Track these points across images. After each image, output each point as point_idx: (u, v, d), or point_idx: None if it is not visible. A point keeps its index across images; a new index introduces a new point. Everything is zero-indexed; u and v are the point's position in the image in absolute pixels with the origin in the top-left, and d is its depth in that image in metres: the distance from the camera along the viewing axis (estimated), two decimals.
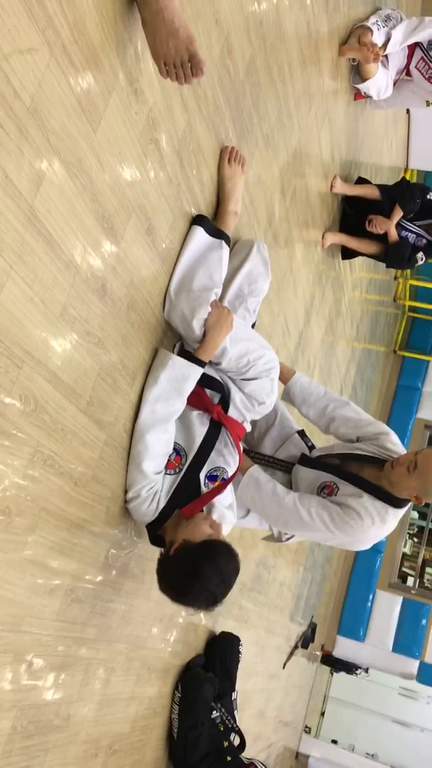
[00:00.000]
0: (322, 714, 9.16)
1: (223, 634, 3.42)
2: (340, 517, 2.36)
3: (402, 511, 2.44)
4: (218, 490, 2.14)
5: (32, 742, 1.83)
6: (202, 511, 2.12)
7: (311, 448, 2.75)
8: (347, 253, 4.35)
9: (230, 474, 2.20)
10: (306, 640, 6.79)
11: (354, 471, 2.48)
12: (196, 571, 1.90)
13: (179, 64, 1.51)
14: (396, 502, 2.39)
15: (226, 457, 2.22)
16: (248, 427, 2.36)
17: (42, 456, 1.58)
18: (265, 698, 5.39)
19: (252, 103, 2.37)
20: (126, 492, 2.05)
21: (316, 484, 2.54)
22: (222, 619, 3.57)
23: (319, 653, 8.01)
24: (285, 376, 2.65)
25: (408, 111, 5.68)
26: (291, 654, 6.19)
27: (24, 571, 1.61)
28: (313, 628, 7.04)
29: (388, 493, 2.38)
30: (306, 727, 8.62)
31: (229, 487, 2.27)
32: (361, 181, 4.18)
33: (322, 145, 3.41)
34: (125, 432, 1.97)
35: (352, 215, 4.14)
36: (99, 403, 1.79)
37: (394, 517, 2.42)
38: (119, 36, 1.51)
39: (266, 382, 2.25)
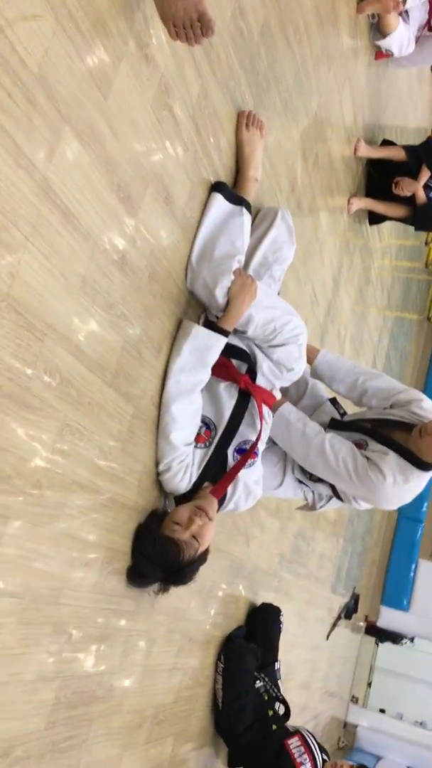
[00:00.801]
0: (369, 684, 9.19)
1: (264, 605, 3.43)
2: (364, 470, 2.37)
3: (429, 474, 2.42)
4: (243, 463, 2.13)
5: (76, 712, 1.86)
6: (226, 492, 2.13)
7: (343, 415, 2.72)
8: (375, 218, 4.27)
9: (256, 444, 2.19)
10: (349, 611, 6.80)
11: (385, 433, 2.46)
12: (137, 544, 1.96)
13: (188, 24, 1.47)
14: (422, 465, 2.36)
15: (256, 429, 2.21)
16: (278, 395, 2.34)
17: (70, 429, 1.58)
18: (309, 669, 5.42)
19: (268, 66, 2.32)
20: (157, 465, 2.05)
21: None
22: (262, 591, 3.58)
23: (362, 624, 8.01)
24: (310, 356, 2.61)
25: None
26: (334, 625, 6.20)
27: (59, 545, 1.62)
28: (355, 599, 7.04)
29: (415, 455, 2.36)
30: (353, 697, 8.67)
31: (259, 458, 2.26)
32: (386, 143, 4.09)
33: (343, 107, 3.34)
34: (153, 405, 1.97)
35: (378, 179, 4.05)
36: (125, 376, 1.79)
37: (419, 478, 2.39)
38: (127, 1, 1.48)
39: (294, 348, 2.23)
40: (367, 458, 2.39)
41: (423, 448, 2.34)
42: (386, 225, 4.97)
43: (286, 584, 4.05)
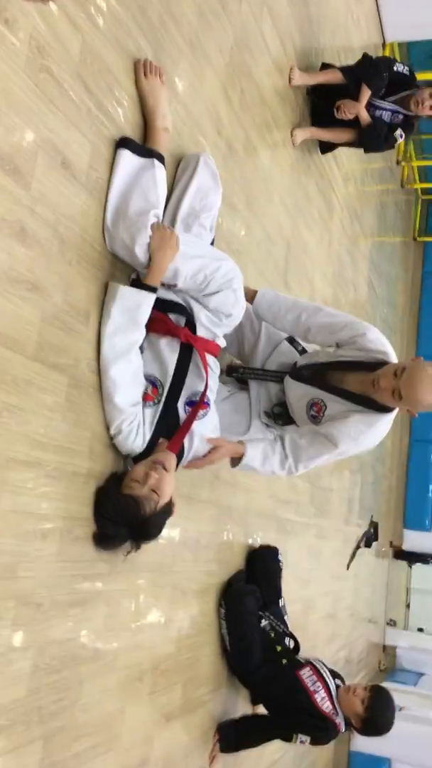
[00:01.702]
0: (408, 606, 9.35)
1: (261, 547, 3.49)
2: (333, 449, 2.44)
3: (394, 412, 2.43)
4: (194, 415, 2.15)
5: (60, 676, 1.92)
6: (183, 445, 2.15)
7: (301, 352, 2.71)
8: (325, 147, 4.18)
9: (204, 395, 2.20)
10: (369, 540, 6.89)
11: (337, 382, 2.46)
12: (97, 506, 2.01)
13: None
14: (385, 409, 2.38)
15: (203, 379, 2.22)
16: (222, 343, 2.34)
17: None
18: (332, 600, 5.52)
19: (163, 9, 2.25)
20: (108, 429, 2.07)
21: (306, 400, 2.54)
22: (261, 533, 3.64)
23: (384, 549, 8.11)
24: (250, 297, 2.54)
25: None
26: (353, 555, 6.30)
27: (5, 521, 1.66)
28: (374, 526, 7.13)
29: (375, 402, 2.36)
30: (390, 620, 8.84)
31: (212, 407, 2.28)
32: (325, 67, 3.97)
33: (266, 38, 3.25)
34: (91, 371, 1.98)
35: (322, 105, 3.95)
36: (50, 347, 1.79)
37: (385, 421, 2.42)
38: None
39: (229, 293, 2.21)
40: (327, 435, 2.42)
41: (380, 398, 2.35)
42: (344, 151, 4.86)
43: (287, 523, 4.11)
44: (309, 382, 2.53)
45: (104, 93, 1.96)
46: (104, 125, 1.97)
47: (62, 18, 1.76)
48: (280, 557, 3.52)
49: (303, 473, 2.61)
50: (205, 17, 2.56)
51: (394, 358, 2.44)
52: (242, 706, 3.35)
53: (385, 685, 4.87)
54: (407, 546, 8.72)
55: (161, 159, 2.12)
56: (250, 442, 2.43)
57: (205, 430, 2.25)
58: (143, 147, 2.10)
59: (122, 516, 1.99)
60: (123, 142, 2.04)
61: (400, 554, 8.77)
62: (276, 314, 2.56)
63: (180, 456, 2.21)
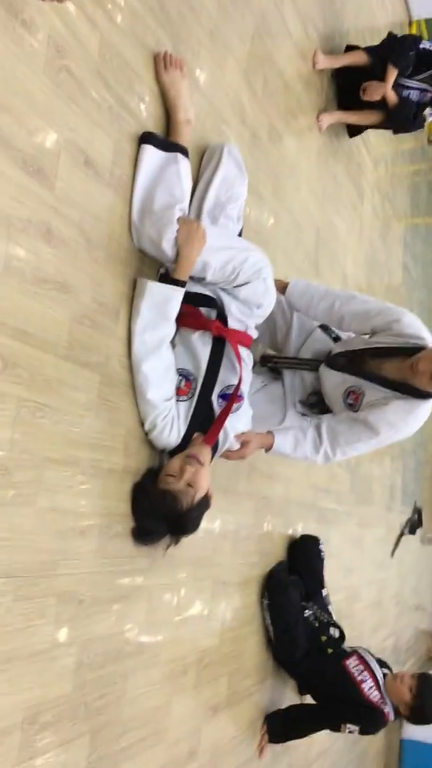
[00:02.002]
0: None
1: (302, 537, 3.48)
2: (373, 436, 2.41)
3: None
4: (229, 408, 2.14)
5: (105, 671, 1.94)
6: (218, 440, 2.16)
7: (335, 340, 2.68)
8: (353, 130, 4.11)
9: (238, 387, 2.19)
10: (413, 526, 6.82)
11: (374, 369, 2.42)
12: (135, 501, 2.03)
13: None
14: (424, 395, 2.33)
15: (236, 372, 2.21)
16: (254, 334, 2.33)
17: (29, 410, 1.61)
18: (376, 589, 5.48)
19: (181, 1, 2.23)
20: (142, 425, 2.08)
21: (342, 388, 2.50)
22: (302, 523, 3.62)
23: (430, 536, 8.01)
24: (281, 288, 2.50)
25: None
26: (398, 542, 6.24)
27: (43, 520, 1.67)
28: (418, 512, 7.06)
29: (414, 388, 2.32)
30: None
31: (246, 399, 2.27)
32: (350, 49, 3.90)
33: (288, 23, 3.20)
34: (122, 368, 1.99)
35: (348, 88, 3.89)
36: (81, 346, 1.80)
37: (425, 407, 2.37)
38: None
39: (259, 284, 2.20)
40: (366, 422, 2.39)
41: (419, 383, 2.30)
42: (373, 134, 4.79)
43: (328, 512, 4.09)
44: (345, 369, 2.49)
45: (125, 89, 1.96)
46: (126, 121, 1.97)
47: (80, 16, 1.76)
48: (322, 546, 3.50)
49: (342, 460, 2.58)
50: (224, 6, 2.53)
51: (431, 342, 2.39)
52: (289, 697, 3.35)
53: None
54: None
55: (185, 152, 2.11)
56: (278, 431, 2.42)
57: (239, 422, 2.25)
58: (166, 141, 2.09)
59: (159, 511, 2.00)
60: (146, 138, 2.03)
61: None
62: (309, 304, 2.52)
63: (215, 449, 2.21)
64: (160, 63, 2.10)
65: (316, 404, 2.68)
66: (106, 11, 1.86)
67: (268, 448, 2.42)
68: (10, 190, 1.54)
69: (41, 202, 1.64)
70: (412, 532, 6.74)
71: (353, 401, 2.48)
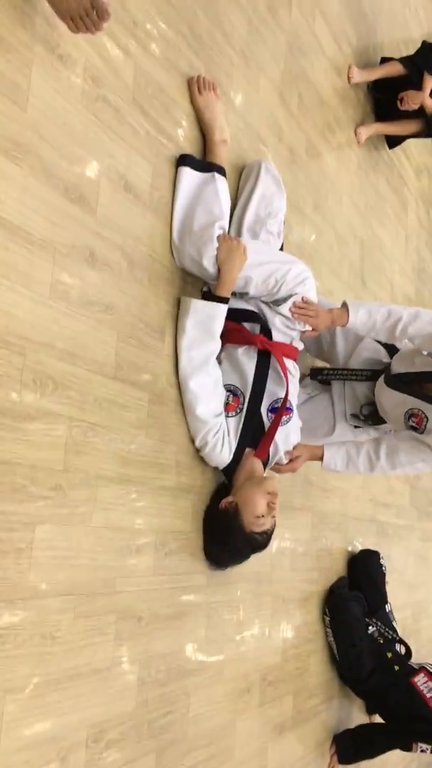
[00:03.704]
0: None
1: (362, 551, 3.42)
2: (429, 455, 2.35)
3: None
4: (278, 421, 2.15)
5: (168, 689, 1.95)
6: (268, 457, 2.19)
7: (386, 346, 2.62)
8: (392, 141, 4.11)
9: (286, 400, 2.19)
10: None
11: None
12: (222, 546, 2.10)
13: (84, 14, 1.49)
14: None
15: (284, 385, 2.21)
16: (300, 346, 2.32)
17: (80, 429, 1.65)
18: None
19: (211, 24, 2.29)
20: (193, 443, 2.09)
21: (403, 409, 2.39)
22: (361, 537, 3.57)
23: None
24: (342, 320, 2.32)
25: None
26: None
27: (99, 537, 1.70)
28: None
29: None
30: None
31: (295, 411, 2.27)
32: (385, 61, 3.91)
33: (320, 39, 3.24)
34: (170, 386, 2.01)
35: (385, 100, 3.90)
36: (129, 365, 1.84)
37: None
38: (20, 10, 1.52)
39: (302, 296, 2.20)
40: (428, 444, 2.33)
41: None
42: (413, 143, 4.77)
43: (388, 527, 4.01)
44: (406, 391, 2.38)
45: (160, 114, 2.01)
46: (163, 145, 2.01)
47: (113, 47, 1.82)
48: (383, 561, 3.43)
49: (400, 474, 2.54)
50: (254, 27, 2.58)
51: None
52: (357, 716, 3.28)
53: None
54: None
55: (222, 171, 2.14)
56: (329, 446, 2.39)
57: (291, 435, 2.24)
58: (203, 162, 2.13)
59: (253, 551, 2.13)
60: (183, 160, 2.07)
61: None
62: (372, 329, 2.33)
63: (266, 462, 2.21)
64: (194, 86, 2.15)
65: (369, 416, 2.64)
66: (139, 40, 1.92)
67: (320, 461, 2.40)
68: (53, 217, 1.59)
69: (84, 227, 1.69)
70: None
71: (416, 424, 2.38)
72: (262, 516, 2.03)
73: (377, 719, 3.26)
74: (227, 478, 2.17)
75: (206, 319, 2.01)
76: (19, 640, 1.47)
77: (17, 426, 1.48)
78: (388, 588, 3.44)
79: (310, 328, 2.26)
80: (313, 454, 2.37)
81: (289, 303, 2.18)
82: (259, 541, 2.09)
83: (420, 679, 3.05)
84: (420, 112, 3.79)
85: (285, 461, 2.28)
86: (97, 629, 1.68)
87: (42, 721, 1.51)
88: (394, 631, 3.25)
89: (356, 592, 3.17)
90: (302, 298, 2.20)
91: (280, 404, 2.19)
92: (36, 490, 1.51)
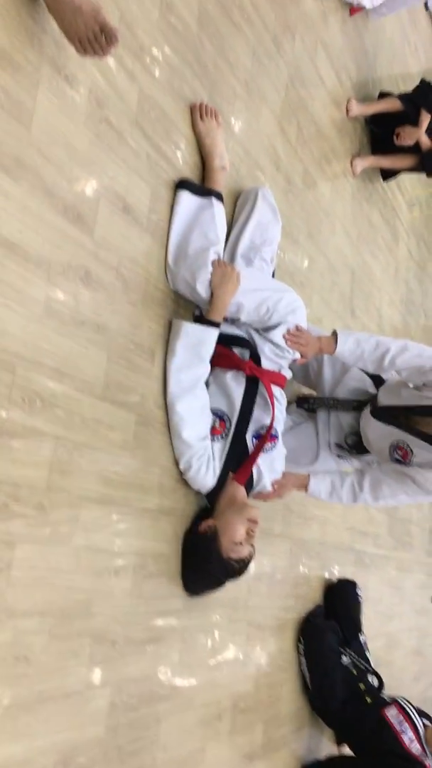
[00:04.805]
0: None
1: (339, 581, 3.42)
2: (418, 491, 2.37)
3: None
4: (260, 447, 2.15)
5: (139, 714, 1.92)
6: (252, 476, 2.18)
7: (372, 376, 2.64)
8: (387, 174, 4.17)
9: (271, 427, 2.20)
10: None
11: (425, 427, 2.30)
12: (197, 570, 2.09)
13: (93, 38, 1.50)
14: None
15: (270, 412, 2.22)
16: (288, 374, 2.34)
17: (66, 449, 1.64)
18: (417, 636, 5.33)
19: (217, 54, 2.32)
20: (177, 465, 2.09)
21: (388, 441, 2.39)
22: (338, 566, 3.57)
23: None
24: (330, 348, 2.32)
25: (427, 5, 5.34)
26: None
27: (78, 558, 1.69)
28: None
29: None
30: None
31: (280, 439, 2.27)
32: (383, 96, 3.98)
33: (321, 73, 3.29)
34: (158, 408, 2.01)
35: (381, 133, 3.96)
36: (117, 386, 1.83)
37: None
38: (29, 30, 1.53)
39: (292, 324, 2.22)
40: (414, 478, 2.34)
41: None
42: (407, 177, 4.85)
43: (366, 556, 4.02)
44: (393, 423, 2.38)
45: (162, 138, 2.02)
46: (163, 169, 2.03)
47: (119, 71, 1.83)
48: (359, 591, 3.43)
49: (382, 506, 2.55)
50: (258, 58, 2.62)
51: None
52: (327, 747, 3.25)
53: None
54: None
55: (219, 197, 2.16)
56: (315, 475, 2.40)
57: (274, 462, 2.25)
58: (201, 187, 2.15)
59: (230, 578, 2.11)
60: (182, 184, 2.09)
61: None
62: (359, 358, 2.34)
63: (249, 487, 2.21)
64: (197, 113, 2.17)
65: (354, 446, 2.65)
66: (144, 65, 1.94)
67: (305, 490, 2.40)
68: (51, 236, 1.59)
69: (81, 247, 1.69)
70: None
71: (401, 457, 2.38)
72: (240, 543, 2.03)
73: (346, 750, 3.24)
74: (210, 503, 2.16)
75: (197, 343, 2.02)
76: None
77: (3, 443, 1.47)
78: (364, 618, 3.44)
79: (299, 356, 2.28)
80: (299, 482, 2.38)
81: (283, 329, 2.19)
82: (235, 568, 2.07)
83: (391, 713, 3.04)
84: (415, 148, 3.85)
85: (270, 489, 2.28)
86: (71, 652, 1.67)
87: (11, 744, 1.49)
88: (368, 662, 3.24)
89: (332, 622, 3.16)
90: (296, 326, 2.21)
91: (264, 431, 2.20)
92: (18, 509, 1.50)
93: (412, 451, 2.33)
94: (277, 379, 2.27)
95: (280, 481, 2.30)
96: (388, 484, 2.39)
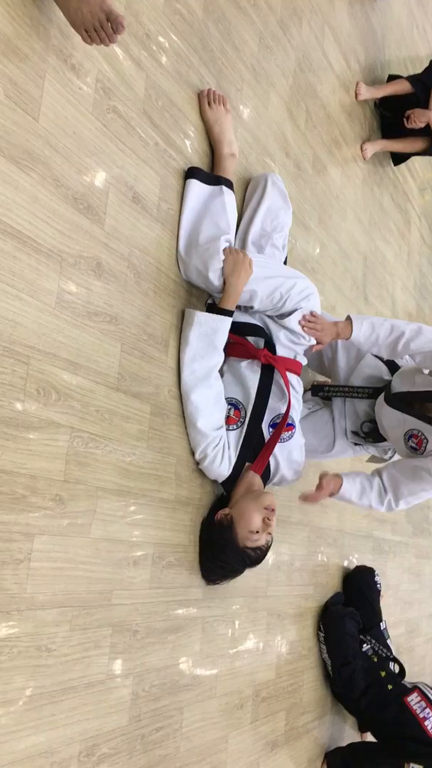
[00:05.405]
0: None
1: (357, 568, 3.41)
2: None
3: None
4: (276, 436, 2.14)
5: (161, 704, 1.93)
6: (269, 465, 2.16)
7: (387, 363, 2.62)
8: (398, 158, 4.13)
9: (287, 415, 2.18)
10: None
11: None
12: (214, 559, 2.07)
13: (99, 26, 1.49)
14: None
15: (286, 400, 2.20)
16: (303, 361, 2.32)
17: (82, 440, 1.64)
18: None
19: (223, 40, 2.30)
20: (193, 455, 2.09)
21: (403, 429, 2.37)
22: (357, 554, 3.56)
23: None
24: (346, 333, 2.31)
25: None
26: None
27: (98, 549, 1.69)
28: None
29: None
30: None
31: (297, 427, 2.26)
32: (392, 79, 3.93)
33: (329, 57, 3.25)
34: (173, 398, 2.01)
35: (391, 117, 3.92)
36: (131, 377, 1.83)
37: None
38: (35, 20, 1.52)
39: (306, 311, 2.20)
40: (427, 469, 2.28)
41: None
42: (418, 161, 4.81)
43: (384, 543, 4.00)
44: (406, 410, 2.36)
45: (170, 126, 2.01)
46: (172, 158, 2.02)
47: (126, 59, 1.82)
48: (378, 578, 3.42)
49: (405, 509, 2.50)
50: (265, 43, 2.59)
51: None
52: (349, 734, 3.25)
53: None
54: None
55: (230, 185, 2.14)
56: (347, 476, 2.34)
57: (291, 453, 2.24)
58: (211, 175, 2.13)
59: (246, 567, 2.10)
60: (191, 172, 2.07)
61: None
62: (374, 343, 2.33)
63: (266, 477, 2.20)
64: (204, 100, 2.15)
65: (370, 433, 2.63)
66: (151, 53, 1.92)
67: (335, 493, 2.35)
68: (61, 227, 1.59)
69: (91, 237, 1.68)
70: None
71: (416, 445, 2.36)
72: (257, 531, 2.02)
73: (369, 737, 3.24)
74: (226, 492, 2.16)
75: (210, 332, 2.01)
76: (15, 651, 1.45)
77: (19, 435, 1.47)
78: (383, 605, 3.43)
79: (316, 342, 2.26)
80: (334, 483, 2.33)
81: (298, 315, 2.17)
82: (252, 557, 2.06)
83: (413, 699, 3.03)
84: (426, 130, 3.80)
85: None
86: (93, 642, 1.67)
87: (35, 735, 1.50)
88: (389, 649, 3.23)
89: (351, 609, 3.15)
90: (311, 312, 2.20)
91: (280, 420, 2.18)
92: (36, 501, 1.51)
93: (426, 439, 2.30)
94: (293, 366, 2.25)
95: (322, 483, 2.27)
96: (405, 483, 2.33)
